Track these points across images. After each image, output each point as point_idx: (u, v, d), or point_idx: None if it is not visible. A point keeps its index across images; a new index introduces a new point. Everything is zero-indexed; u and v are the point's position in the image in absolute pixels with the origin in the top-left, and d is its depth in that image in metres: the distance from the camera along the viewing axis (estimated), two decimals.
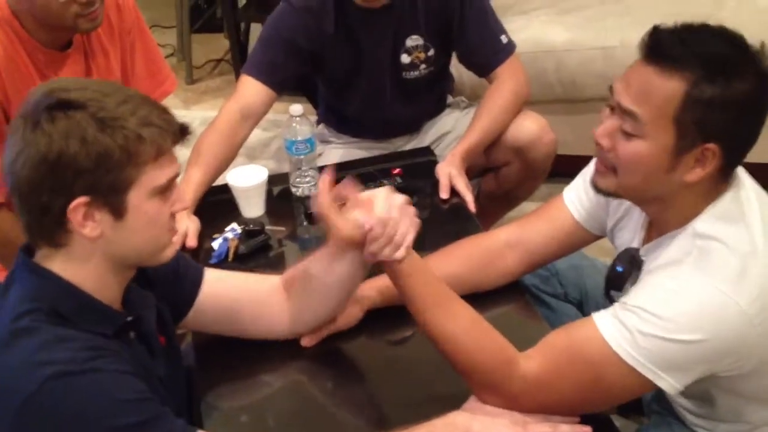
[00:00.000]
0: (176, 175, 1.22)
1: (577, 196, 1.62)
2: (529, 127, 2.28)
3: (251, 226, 1.94)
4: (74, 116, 1.12)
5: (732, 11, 2.84)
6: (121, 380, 1.13)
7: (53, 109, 1.12)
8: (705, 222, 1.32)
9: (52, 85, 1.18)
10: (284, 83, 2.24)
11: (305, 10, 2.18)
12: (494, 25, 2.29)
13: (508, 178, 2.38)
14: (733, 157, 1.30)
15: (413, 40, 2.25)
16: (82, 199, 1.13)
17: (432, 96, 2.46)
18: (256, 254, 1.88)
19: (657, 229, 1.41)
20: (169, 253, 1.27)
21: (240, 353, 1.57)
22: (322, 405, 1.52)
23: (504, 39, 2.28)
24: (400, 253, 1.37)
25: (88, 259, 1.19)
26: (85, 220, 1.15)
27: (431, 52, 2.27)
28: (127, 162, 1.14)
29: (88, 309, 1.19)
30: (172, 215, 1.24)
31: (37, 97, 1.15)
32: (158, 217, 1.21)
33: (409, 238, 1.37)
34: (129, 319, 1.25)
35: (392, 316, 1.58)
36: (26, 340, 1.12)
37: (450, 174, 2.08)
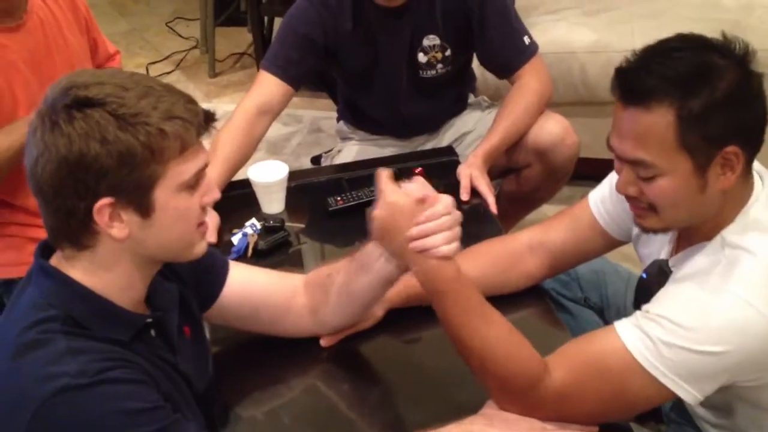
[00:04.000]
0: (205, 166, 1.18)
1: (602, 201, 1.60)
2: (551, 129, 2.26)
3: (271, 222, 1.93)
4: (93, 115, 1.08)
5: (760, 18, 2.81)
6: (132, 390, 1.11)
7: (71, 107, 1.08)
8: (734, 231, 1.30)
9: (70, 80, 1.13)
10: (301, 79, 2.24)
11: (322, 5, 2.17)
12: (516, 25, 2.27)
13: (529, 180, 2.36)
14: (752, 148, 1.29)
15: (430, 40, 2.23)
16: (106, 200, 1.10)
17: (451, 95, 2.44)
18: (275, 251, 1.88)
19: (686, 239, 1.39)
20: (200, 249, 1.23)
21: (256, 351, 1.56)
22: (337, 406, 1.51)
23: (527, 40, 2.26)
24: (448, 248, 1.30)
25: (114, 261, 1.17)
26: (112, 221, 1.12)
27: (448, 52, 2.26)
28: (150, 159, 1.10)
29: (104, 315, 1.16)
30: (203, 208, 1.20)
31: (54, 94, 1.11)
32: (187, 211, 1.17)
33: (457, 244, 1.31)
34: (149, 320, 1.23)
35: (411, 316, 1.58)
36: (38, 352, 1.10)
37: (471, 175, 2.07)
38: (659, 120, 1.23)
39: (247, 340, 1.57)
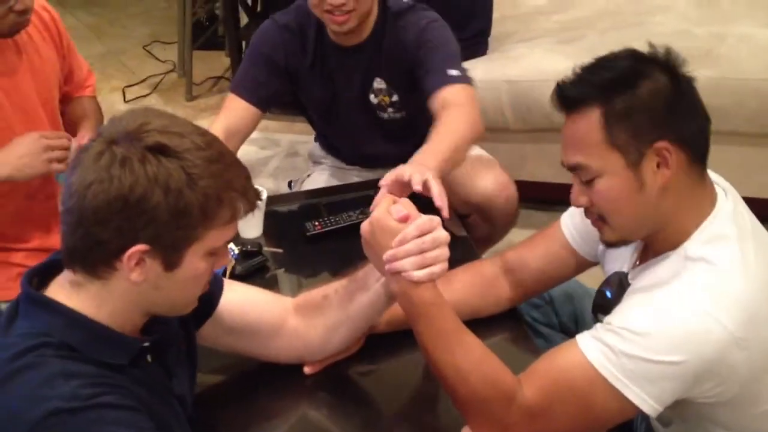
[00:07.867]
0: (232, 238, 1.21)
1: (572, 222, 1.62)
2: (484, 186, 2.25)
3: (248, 246, 1.93)
4: (167, 165, 1.09)
5: (731, 47, 2.86)
6: (124, 417, 1.11)
7: (147, 150, 1.10)
8: (696, 244, 1.33)
9: (146, 118, 1.13)
10: (268, 100, 2.22)
11: (285, 28, 2.17)
12: (446, 59, 2.09)
13: (474, 227, 2.34)
14: (691, 149, 1.32)
15: (378, 83, 2.21)
16: (142, 247, 1.11)
17: (414, 136, 2.21)
18: (252, 276, 1.87)
19: (649, 252, 1.42)
20: (192, 307, 1.26)
21: (238, 378, 1.56)
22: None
23: (454, 72, 2.06)
24: (420, 274, 1.30)
25: (120, 297, 1.17)
26: (136, 265, 1.13)
27: (395, 97, 2.22)
28: (200, 222, 1.13)
29: (100, 340, 1.16)
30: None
31: (129, 126, 1.12)
32: (204, 275, 1.20)
33: (436, 268, 1.31)
34: (145, 344, 1.23)
35: (392, 342, 1.58)
36: (30, 374, 1.09)
37: (427, 180, 1.80)
38: (589, 121, 1.31)
39: (230, 368, 1.57)
